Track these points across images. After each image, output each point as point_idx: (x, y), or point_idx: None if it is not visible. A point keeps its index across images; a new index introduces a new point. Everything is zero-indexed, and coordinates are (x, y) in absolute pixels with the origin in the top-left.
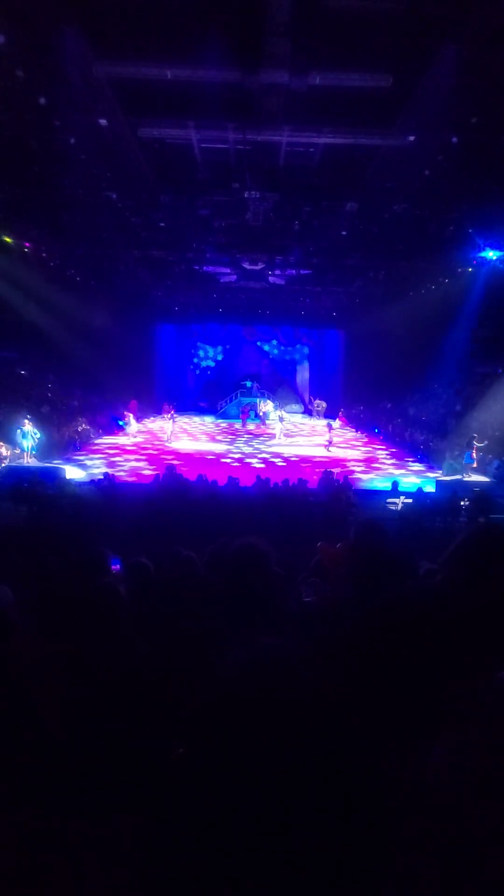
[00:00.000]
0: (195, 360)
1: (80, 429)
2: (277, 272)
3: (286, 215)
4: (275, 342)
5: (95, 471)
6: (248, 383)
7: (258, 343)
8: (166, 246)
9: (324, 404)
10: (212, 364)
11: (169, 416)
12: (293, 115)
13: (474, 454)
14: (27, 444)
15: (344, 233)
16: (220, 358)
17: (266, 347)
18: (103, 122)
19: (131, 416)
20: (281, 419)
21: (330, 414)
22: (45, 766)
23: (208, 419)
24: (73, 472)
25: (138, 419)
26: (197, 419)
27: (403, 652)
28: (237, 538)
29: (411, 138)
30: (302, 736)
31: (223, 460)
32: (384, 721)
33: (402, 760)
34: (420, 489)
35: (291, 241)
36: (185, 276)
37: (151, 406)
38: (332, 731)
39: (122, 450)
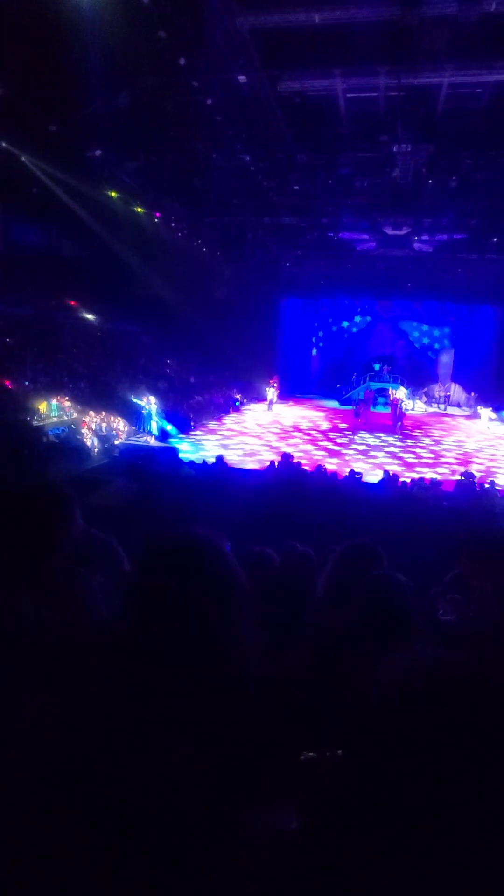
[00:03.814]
0: (318, 336)
1: (236, 396)
2: (425, 237)
3: (442, 170)
4: (415, 323)
5: (209, 452)
6: (377, 366)
7: (395, 320)
8: (299, 211)
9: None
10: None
11: (273, 386)
12: (458, 51)
13: None
14: (153, 425)
15: None
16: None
17: (404, 326)
18: (242, 78)
19: (274, 390)
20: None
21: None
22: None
23: (330, 404)
24: (187, 453)
25: (257, 398)
26: (320, 404)
27: None
28: (359, 539)
29: None
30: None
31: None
32: None
33: None
34: None
35: (445, 201)
36: (317, 245)
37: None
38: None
39: (240, 432)
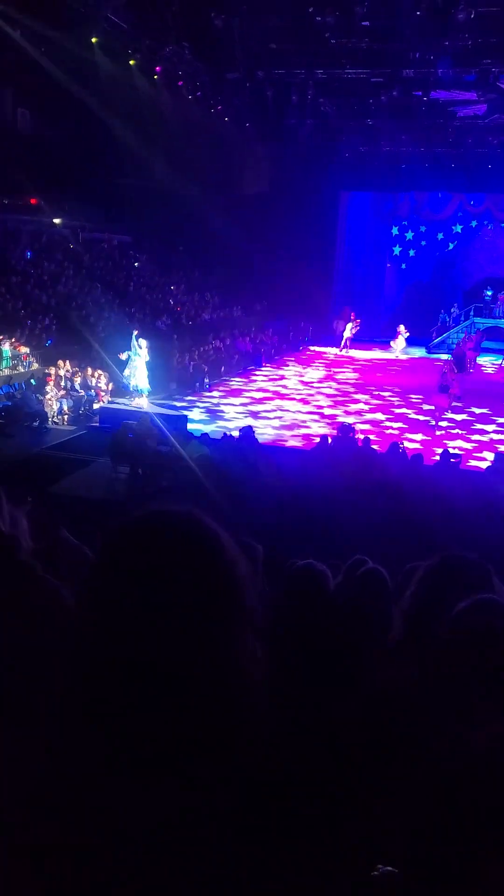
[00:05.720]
0: (398, 248)
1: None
2: None
3: None
4: None
5: (232, 423)
6: (489, 292)
7: None
8: (369, 60)
9: None
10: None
11: (353, 323)
12: None
13: None
14: (137, 379)
15: None
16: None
17: None
18: None
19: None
20: None
21: None
22: None
23: (414, 352)
24: (200, 423)
25: (310, 340)
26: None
27: None
28: (458, 552)
29: None
30: None
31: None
32: None
33: None
34: None
35: None
36: (398, 110)
37: (327, 321)
38: None
39: (277, 393)
